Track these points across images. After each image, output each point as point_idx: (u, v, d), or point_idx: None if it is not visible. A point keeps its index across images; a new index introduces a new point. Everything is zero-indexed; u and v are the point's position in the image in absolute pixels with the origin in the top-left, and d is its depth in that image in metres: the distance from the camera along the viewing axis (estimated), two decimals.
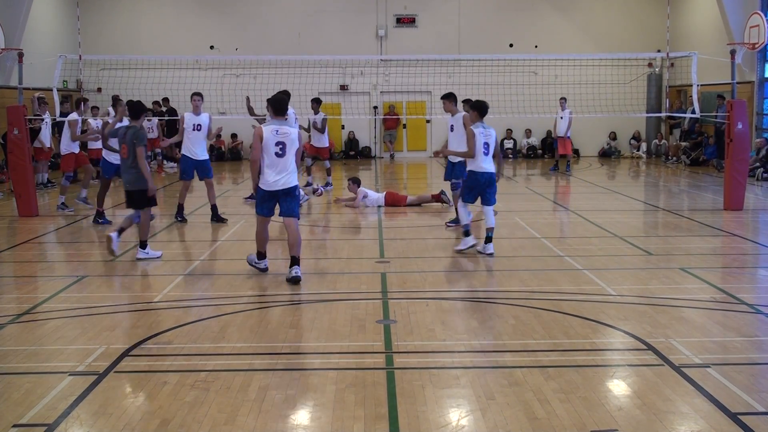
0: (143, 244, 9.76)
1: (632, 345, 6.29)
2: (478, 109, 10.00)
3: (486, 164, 9.81)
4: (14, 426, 4.82)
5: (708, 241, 10.84)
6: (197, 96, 12.65)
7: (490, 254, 9.69)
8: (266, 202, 8.56)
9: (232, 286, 8.50)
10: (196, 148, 12.37)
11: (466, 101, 12.26)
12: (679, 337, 6.41)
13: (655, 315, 7.08)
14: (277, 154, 8.35)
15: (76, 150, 14.35)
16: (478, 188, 9.89)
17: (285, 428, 4.80)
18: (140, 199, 9.72)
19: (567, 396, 5.18)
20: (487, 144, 9.78)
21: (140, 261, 9.61)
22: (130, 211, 9.99)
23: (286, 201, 8.50)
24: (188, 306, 7.55)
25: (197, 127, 12.34)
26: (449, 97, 11.51)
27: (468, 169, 10.01)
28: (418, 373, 5.67)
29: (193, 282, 8.63)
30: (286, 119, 8.67)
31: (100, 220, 12.49)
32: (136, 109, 9.82)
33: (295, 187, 8.55)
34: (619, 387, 5.43)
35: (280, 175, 8.41)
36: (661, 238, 11.35)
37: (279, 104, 8.60)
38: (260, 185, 8.50)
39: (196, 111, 12.46)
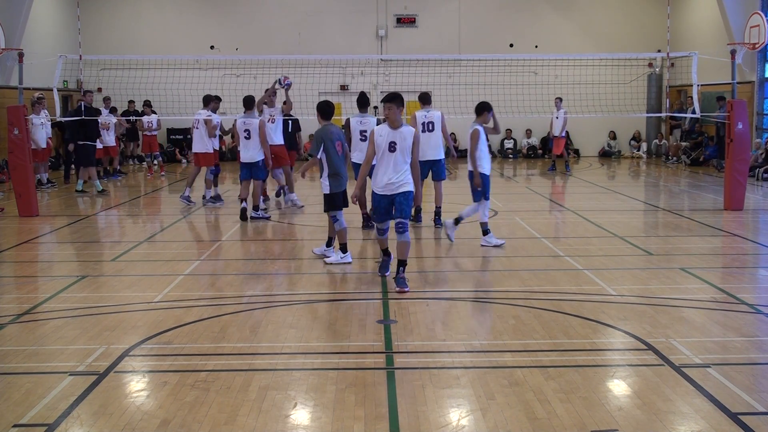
0: (344, 247, 9.38)
1: (632, 345, 6.29)
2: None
3: None
4: (14, 426, 4.81)
5: (708, 241, 10.84)
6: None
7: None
8: (243, 170, 12.89)
9: (232, 286, 8.50)
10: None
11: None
12: (679, 337, 6.41)
13: (656, 315, 7.08)
14: (245, 137, 12.71)
15: (211, 149, 14.66)
16: None
17: (285, 428, 4.79)
18: (344, 200, 9.31)
19: (567, 396, 5.18)
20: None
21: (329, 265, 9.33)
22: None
23: (253, 170, 12.79)
24: (188, 306, 7.55)
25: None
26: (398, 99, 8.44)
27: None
28: (418, 373, 5.66)
29: (193, 282, 8.63)
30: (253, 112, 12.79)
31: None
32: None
33: (260, 161, 12.71)
34: (619, 387, 5.42)
35: (249, 152, 12.69)
36: (661, 238, 11.35)
37: (247, 102, 12.88)
38: (242, 159, 12.89)
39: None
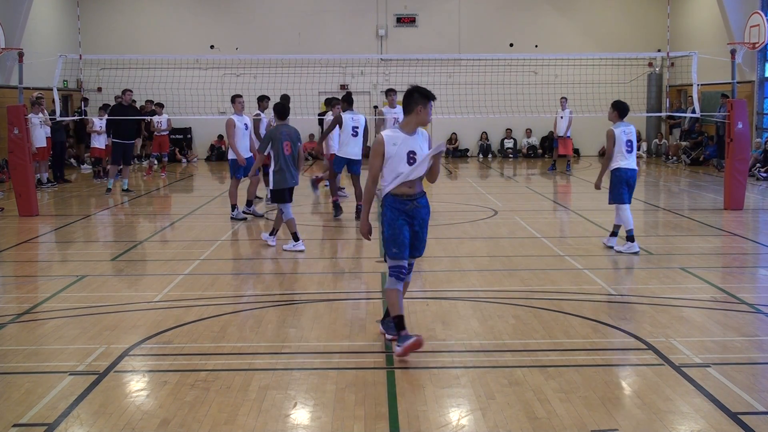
0: (295, 236, 10.20)
1: (632, 345, 6.29)
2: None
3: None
4: (14, 425, 4.81)
5: (708, 241, 10.84)
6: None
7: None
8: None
9: (232, 286, 8.50)
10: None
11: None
12: (679, 336, 6.41)
13: (656, 315, 7.08)
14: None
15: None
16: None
17: (285, 428, 4.79)
18: (290, 195, 10.21)
19: (567, 396, 5.18)
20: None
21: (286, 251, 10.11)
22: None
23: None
24: (188, 306, 7.55)
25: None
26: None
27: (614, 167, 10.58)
28: (418, 372, 5.66)
29: (193, 282, 8.63)
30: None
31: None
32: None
33: (230, 160, 12.67)
34: (619, 387, 5.42)
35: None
36: (661, 237, 11.35)
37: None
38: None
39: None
